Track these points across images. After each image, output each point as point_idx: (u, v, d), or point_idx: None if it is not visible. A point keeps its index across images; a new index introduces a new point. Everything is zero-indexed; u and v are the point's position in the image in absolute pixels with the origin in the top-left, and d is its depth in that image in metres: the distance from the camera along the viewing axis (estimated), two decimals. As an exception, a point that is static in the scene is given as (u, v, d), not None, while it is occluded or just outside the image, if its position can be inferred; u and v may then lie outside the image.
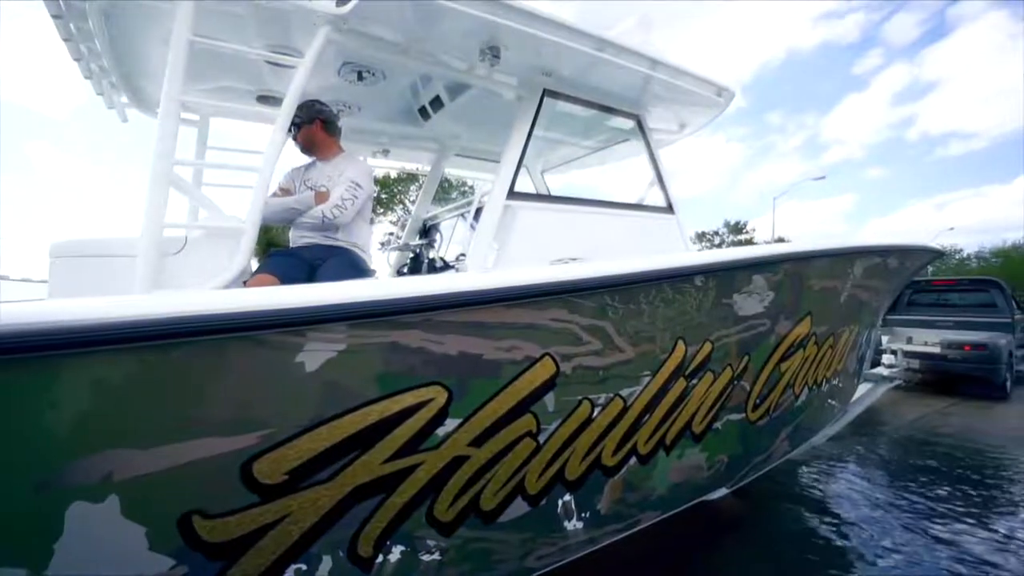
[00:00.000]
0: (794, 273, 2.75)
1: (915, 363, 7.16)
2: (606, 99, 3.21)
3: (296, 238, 2.32)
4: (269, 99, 2.98)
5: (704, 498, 2.60)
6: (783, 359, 2.83)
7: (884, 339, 7.16)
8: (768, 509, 3.51)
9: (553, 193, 4.40)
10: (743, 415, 2.64)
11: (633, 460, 2.15)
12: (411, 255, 3.61)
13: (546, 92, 2.90)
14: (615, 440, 2.06)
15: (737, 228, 45.25)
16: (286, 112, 2.10)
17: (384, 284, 1.49)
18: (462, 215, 3.49)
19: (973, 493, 3.83)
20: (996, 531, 3.21)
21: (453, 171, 4.51)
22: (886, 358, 6.83)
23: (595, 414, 1.97)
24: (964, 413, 6.21)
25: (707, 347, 2.34)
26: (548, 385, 1.82)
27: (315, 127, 2.45)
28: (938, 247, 4.10)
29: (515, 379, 1.74)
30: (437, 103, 3.32)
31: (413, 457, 1.59)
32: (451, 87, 3.17)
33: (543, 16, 2.40)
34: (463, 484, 1.70)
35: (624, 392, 2.05)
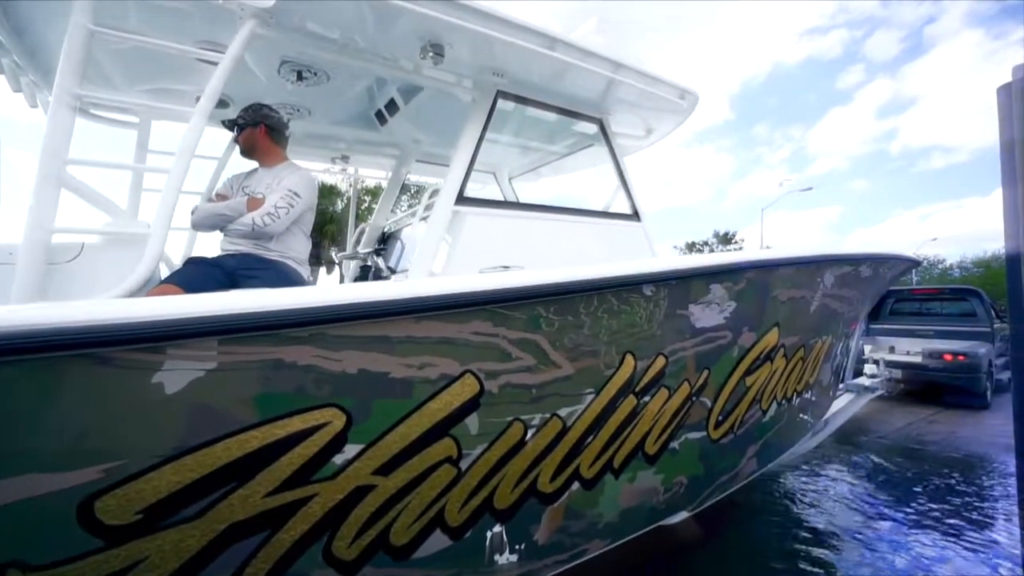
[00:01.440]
0: (758, 282, 2.54)
1: (897, 373, 6.92)
2: (566, 102, 3.01)
3: (225, 245, 2.11)
4: (211, 101, 2.79)
5: (662, 523, 2.36)
6: (748, 373, 2.61)
7: (866, 348, 6.95)
8: (748, 521, 3.25)
9: (533, 201, 4.18)
10: (704, 433, 2.42)
11: (576, 485, 1.91)
12: (364, 265, 3.40)
13: (500, 94, 2.70)
14: (553, 464, 1.83)
15: (726, 238, 45.17)
16: (201, 110, 1.90)
17: (266, 295, 1.27)
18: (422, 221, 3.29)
19: (958, 501, 3.57)
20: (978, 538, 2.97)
21: (421, 179, 4.32)
22: (868, 368, 6.60)
23: (529, 436, 1.75)
24: (949, 422, 5.97)
25: (660, 361, 2.12)
26: (470, 406, 1.60)
27: (259, 131, 2.24)
28: (913, 256, 3.89)
29: (429, 399, 1.52)
30: (392, 106, 3.13)
31: (305, 488, 1.36)
32: (404, 89, 2.98)
33: (487, 12, 2.20)
34: (368, 517, 1.47)
35: (563, 412, 1.82)
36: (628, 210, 3.27)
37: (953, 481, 3.96)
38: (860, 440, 5.30)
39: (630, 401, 2.03)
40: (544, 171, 4.30)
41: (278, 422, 1.30)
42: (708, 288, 2.27)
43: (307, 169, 2.27)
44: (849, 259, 3.10)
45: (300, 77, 2.54)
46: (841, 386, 6.36)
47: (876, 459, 4.52)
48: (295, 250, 2.15)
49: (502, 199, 4.19)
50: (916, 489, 3.74)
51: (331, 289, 1.38)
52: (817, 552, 2.82)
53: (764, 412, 2.81)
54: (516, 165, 4.19)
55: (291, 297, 1.29)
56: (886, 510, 3.37)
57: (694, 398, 2.31)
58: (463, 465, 1.61)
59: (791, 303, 2.81)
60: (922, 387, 7.00)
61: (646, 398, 2.09)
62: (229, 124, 2.30)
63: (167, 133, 3.12)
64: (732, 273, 2.37)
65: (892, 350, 7.20)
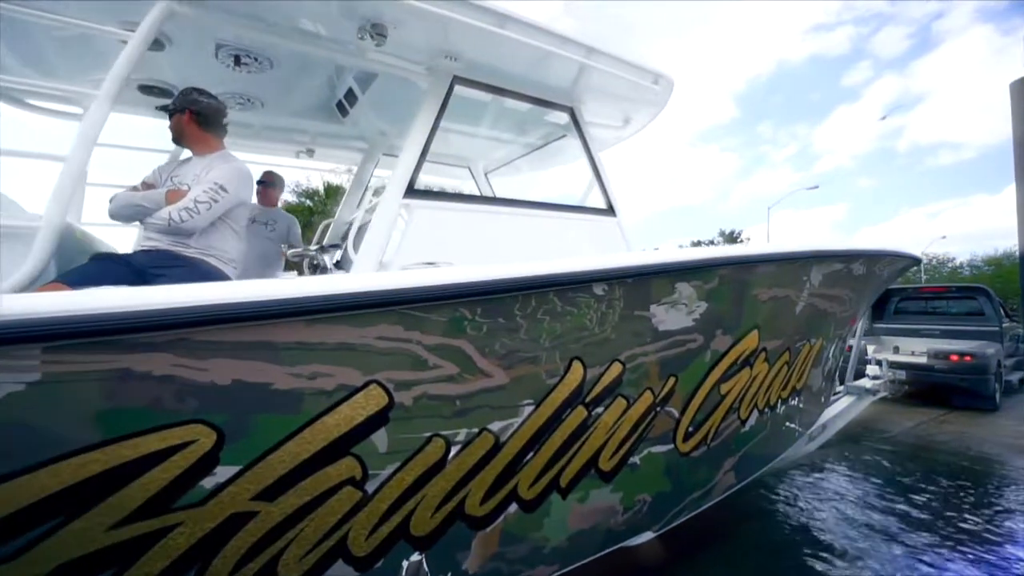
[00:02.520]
0: (733, 281, 2.28)
1: (901, 374, 6.54)
2: (533, 89, 2.77)
3: (142, 240, 1.91)
4: (152, 88, 2.60)
5: (622, 544, 2.11)
6: (723, 379, 2.35)
7: (869, 349, 6.58)
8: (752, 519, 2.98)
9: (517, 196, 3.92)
10: (671, 446, 2.16)
11: (514, 507, 1.68)
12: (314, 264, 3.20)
13: (456, 79, 2.47)
14: (484, 484, 1.59)
15: (732, 237, 44.40)
16: (105, 94, 1.71)
17: (109, 294, 1.06)
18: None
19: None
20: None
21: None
22: (870, 369, 6.23)
23: (452, 454, 1.51)
24: (958, 423, 5.60)
25: (616, 369, 1.87)
26: (377, 420, 1.37)
27: (185, 117, 2.04)
28: (910, 252, 3.58)
29: (324, 414, 1.29)
30: (352, 96, 2.91)
31: (164, 518, 1.14)
32: (360, 77, 2.77)
33: (427, -13, 1.98)
34: (249, 548, 1.25)
35: (495, 426, 1.59)
36: (602, 204, 3.01)
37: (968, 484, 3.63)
38: (866, 440, 4.95)
39: (579, 413, 1.78)
40: (523, 166, 4.06)
41: (127, 442, 1.08)
42: (673, 287, 2.02)
43: (242, 162, 2.05)
44: (838, 255, 2.81)
45: (238, 62, 2.34)
46: (841, 388, 6.02)
47: (885, 460, 4.20)
48: (220, 248, 1.94)
49: (472, 193, 3.95)
50: (927, 488, 3.43)
51: (196, 288, 1.16)
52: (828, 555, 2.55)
53: (743, 421, 2.54)
54: (491, 159, 3.95)
55: (141, 297, 1.08)
56: (897, 510, 3.07)
57: (658, 408, 2.06)
58: (369, 487, 1.38)
59: (773, 303, 2.54)
60: (927, 389, 6.60)
61: (599, 409, 1.84)
62: (163, 109, 2.10)
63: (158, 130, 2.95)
64: (702, 271, 2.11)
65: (896, 350, 6.81)
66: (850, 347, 6.09)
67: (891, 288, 7.93)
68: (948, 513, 3.14)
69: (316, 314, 1.24)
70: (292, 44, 2.17)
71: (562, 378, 1.72)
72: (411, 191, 2.29)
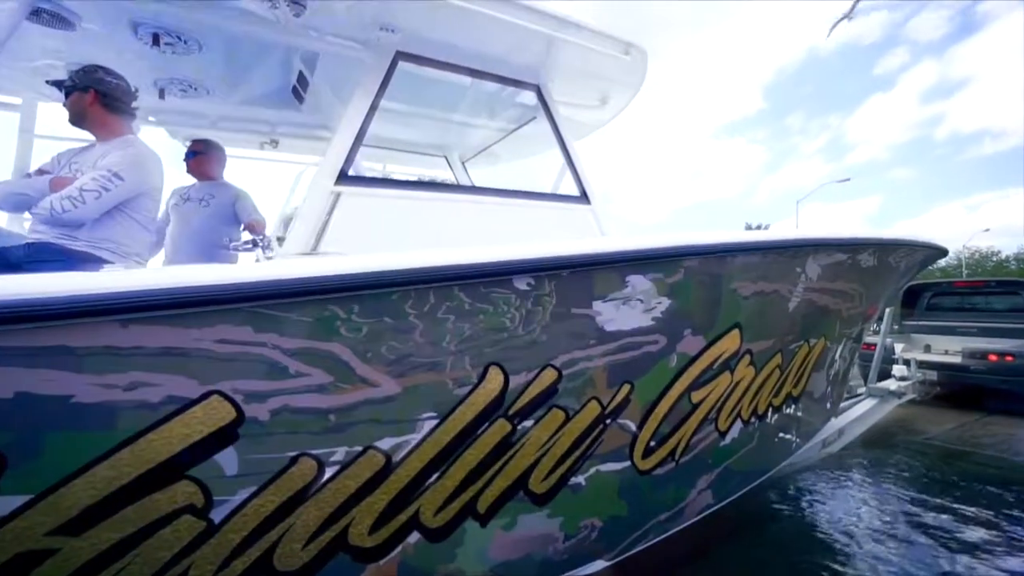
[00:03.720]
0: (704, 273, 1.94)
1: (932, 374, 5.90)
2: (493, 65, 2.47)
3: (29, 232, 1.73)
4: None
5: (569, 574, 1.81)
6: (695, 387, 2.01)
7: (897, 348, 5.98)
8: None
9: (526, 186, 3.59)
10: (626, 463, 1.85)
11: (416, 536, 1.41)
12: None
13: (400, 55, 2.21)
14: (373, 511, 1.33)
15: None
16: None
17: None
18: None
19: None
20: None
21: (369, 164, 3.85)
22: (897, 369, 5.66)
23: (328, 476, 1.26)
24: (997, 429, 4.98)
25: (548, 376, 1.58)
26: (221, 438, 1.13)
27: (88, 97, 1.84)
28: (932, 242, 3.10)
29: (148, 431, 1.06)
30: (303, 80, 2.69)
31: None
32: (307, 58, 2.53)
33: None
34: (53, 594, 1.03)
35: (384, 443, 1.32)
36: (575, 191, 2.70)
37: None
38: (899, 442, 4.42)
39: (500, 427, 1.50)
40: (502, 154, 3.76)
41: None
42: (624, 280, 1.70)
43: (147, 147, 1.85)
44: (839, 244, 2.41)
45: (156, 41, 2.13)
46: (862, 390, 5.48)
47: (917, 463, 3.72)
48: (117, 241, 1.74)
49: (428, 180, 3.62)
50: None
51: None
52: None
53: (722, 433, 2.20)
54: (467, 146, 3.67)
55: None
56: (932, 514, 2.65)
57: (608, 421, 1.75)
58: (216, 516, 1.14)
59: (758, 299, 2.18)
60: (961, 391, 5.93)
61: (527, 423, 1.55)
62: (56, 84, 1.89)
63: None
64: (661, 261, 1.79)
65: (928, 349, 6.17)
66: (872, 346, 5.54)
67: (924, 283, 7.23)
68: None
69: (126, 313, 1.01)
70: (210, 17, 1.95)
71: (475, 387, 1.44)
72: (344, 178, 2.04)
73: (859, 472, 3.58)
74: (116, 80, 1.88)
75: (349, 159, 2.07)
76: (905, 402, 5.60)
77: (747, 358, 2.22)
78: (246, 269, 1.15)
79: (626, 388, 1.78)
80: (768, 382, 2.38)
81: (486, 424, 1.47)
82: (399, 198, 2.24)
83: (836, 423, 4.44)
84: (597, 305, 1.65)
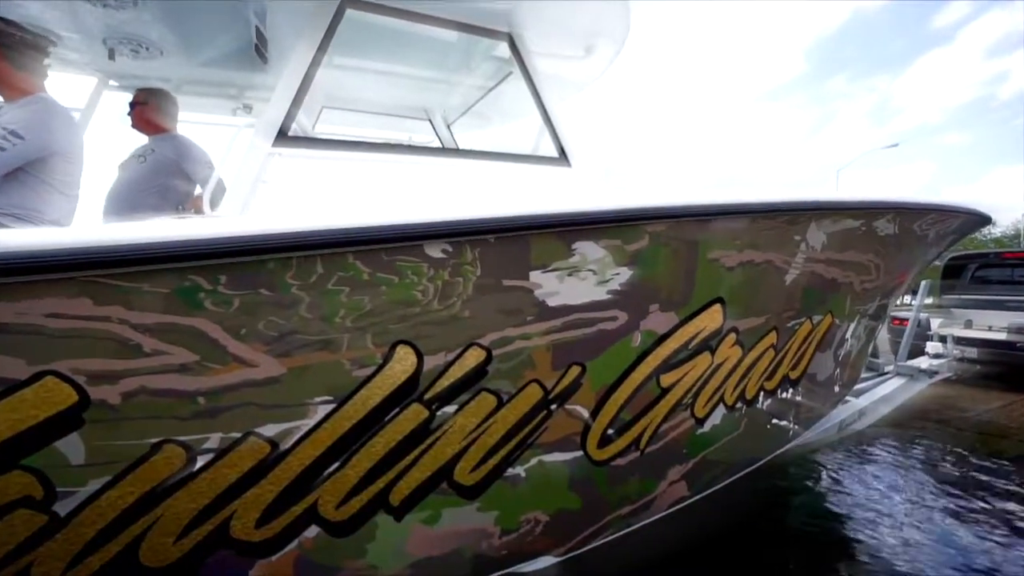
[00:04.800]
0: (675, 240, 1.68)
1: (972, 352, 5.34)
2: (456, 12, 2.20)
3: None
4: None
5: (508, 571, 1.65)
6: (664, 368, 1.77)
7: (934, 323, 5.43)
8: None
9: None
10: (578, 453, 1.64)
11: (315, 531, 1.26)
12: None
13: (346, 2, 1.97)
14: (260, 502, 1.18)
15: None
16: None
17: None
18: None
19: None
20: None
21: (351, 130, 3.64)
22: (931, 346, 5.16)
23: (201, 465, 1.12)
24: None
25: (474, 356, 1.38)
26: (60, 423, 0.99)
27: None
28: (970, 207, 2.66)
29: (-35, 418, 0.93)
30: (263, 38, 2.49)
31: None
32: (260, 12, 2.32)
33: None
34: None
35: (268, 430, 1.17)
36: (553, 151, 2.42)
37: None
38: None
39: (415, 413, 1.32)
40: (492, 115, 3.48)
41: None
42: (570, 248, 1.47)
43: (56, 105, 1.70)
44: (847, 208, 2.07)
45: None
46: (889, 369, 5.04)
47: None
48: (27, 207, 1.61)
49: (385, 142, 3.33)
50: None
51: None
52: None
53: (700, 420, 1.95)
54: (449, 107, 3.40)
55: None
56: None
57: (554, 406, 1.54)
58: (61, 509, 1.01)
59: (746, 271, 1.89)
60: (1005, 370, 5.34)
61: (448, 408, 1.37)
62: None
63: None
64: (618, 226, 1.54)
65: (969, 325, 5.59)
66: (902, 320, 5.06)
67: (968, 253, 6.54)
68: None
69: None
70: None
71: (380, 369, 1.26)
72: (283, 137, 1.85)
73: (883, 451, 3.28)
74: (21, 32, 1.72)
75: (290, 116, 1.88)
76: (940, 381, 5.11)
77: (732, 337, 1.95)
78: (80, 233, 0.98)
79: (575, 370, 1.56)
80: (759, 364, 2.11)
81: (396, 409, 1.29)
82: (349, 160, 2.03)
83: (857, 403, 4.09)
84: (536, 276, 1.42)
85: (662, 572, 1.93)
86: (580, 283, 1.50)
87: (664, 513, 1.96)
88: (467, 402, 1.39)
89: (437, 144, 3.55)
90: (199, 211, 2.06)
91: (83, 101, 2.69)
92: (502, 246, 1.36)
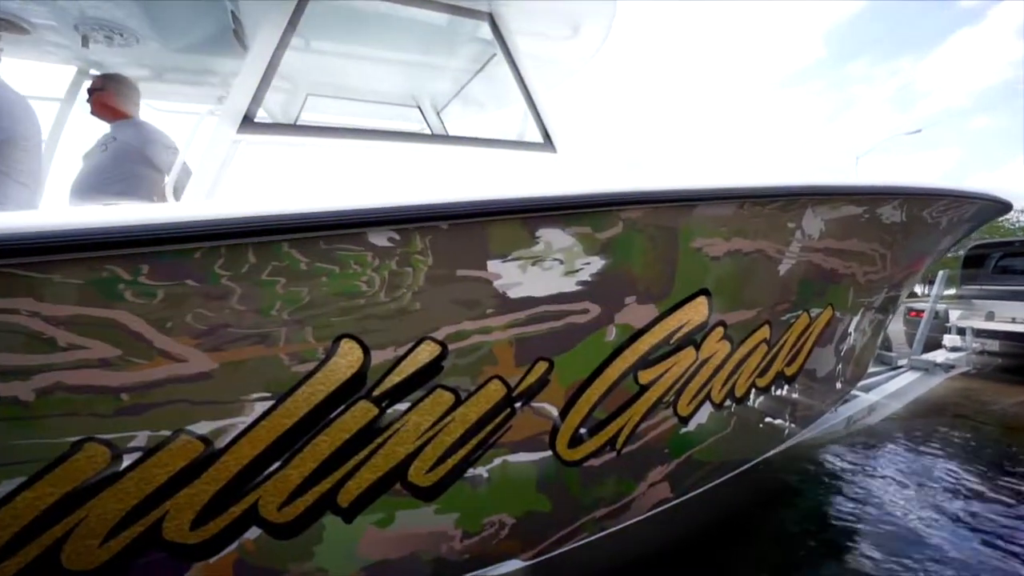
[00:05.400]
0: (652, 227, 1.57)
1: (993, 345, 5.07)
2: (434, -10, 2.11)
3: None
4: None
5: (473, 575, 1.58)
6: (643, 365, 1.67)
7: (952, 315, 5.17)
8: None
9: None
10: (546, 454, 1.56)
11: (256, 532, 1.20)
12: None
13: (313, -23, 1.89)
14: (195, 503, 1.13)
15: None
16: None
17: None
18: None
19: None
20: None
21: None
22: (948, 339, 4.92)
23: (127, 464, 1.06)
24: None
25: (427, 351, 1.30)
26: None
27: None
28: (992, 194, 2.47)
29: None
30: (238, 22, 2.42)
31: None
32: (228, -7, 2.26)
33: None
34: None
35: (200, 428, 1.10)
36: (537, 137, 2.32)
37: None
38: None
39: (362, 411, 1.25)
40: (485, 101, 3.38)
41: None
42: (534, 235, 1.37)
43: (8, 90, 1.66)
44: (846, 193, 1.93)
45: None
46: (903, 363, 4.83)
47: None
48: None
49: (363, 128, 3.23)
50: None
51: None
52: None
53: (684, 419, 1.85)
54: (438, 93, 3.30)
55: None
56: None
57: (519, 404, 1.46)
58: None
59: (734, 260, 1.78)
60: None
61: (400, 406, 1.29)
62: None
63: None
64: (588, 212, 1.44)
65: (991, 316, 5.33)
66: (918, 312, 4.84)
67: (992, 242, 6.22)
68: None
69: None
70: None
71: (322, 364, 1.19)
72: (249, 124, 1.78)
73: (895, 444, 3.16)
74: None
75: (255, 101, 1.80)
76: (957, 375, 4.89)
77: (719, 331, 1.83)
78: None
79: (542, 366, 1.47)
80: (750, 359, 1.99)
81: (342, 407, 1.22)
82: (320, 147, 1.96)
83: (867, 398, 3.93)
84: (495, 266, 1.33)
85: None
86: (545, 273, 1.41)
87: (643, 516, 1.87)
88: (421, 399, 1.31)
89: (428, 132, 3.45)
90: (163, 200, 2.01)
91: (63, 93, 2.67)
92: (456, 234, 1.27)
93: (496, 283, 1.34)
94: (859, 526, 2.25)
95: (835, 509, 2.39)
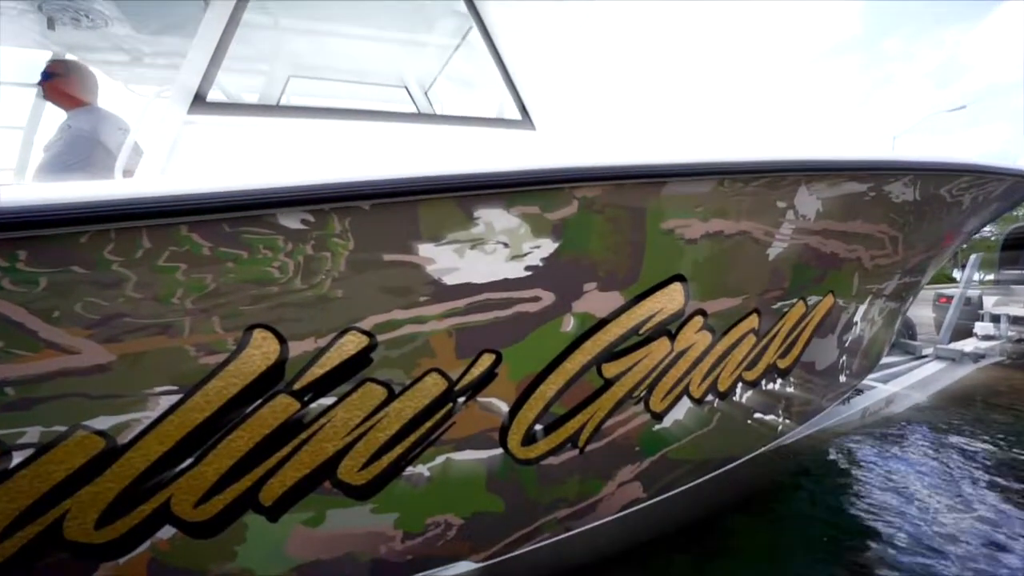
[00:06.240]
0: (613, 208, 1.43)
1: None
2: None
3: None
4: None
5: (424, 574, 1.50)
6: (608, 357, 1.54)
7: (987, 302, 4.78)
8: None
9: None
10: (496, 452, 1.45)
11: (170, 531, 1.15)
12: None
13: (264, -53, 1.78)
14: (99, 502, 1.07)
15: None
16: None
17: None
18: None
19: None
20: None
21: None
22: (980, 327, 4.56)
23: (17, 462, 1.01)
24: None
25: (353, 342, 1.20)
26: None
27: None
28: (1012, 167, 2.20)
29: None
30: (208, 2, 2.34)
31: None
32: (194, -32, 2.17)
33: None
34: None
35: (99, 423, 1.03)
36: (515, 113, 2.17)
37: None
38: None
39: (283, 405, 1.17)
40: (477, 80, 3.22)
41: None
42: (472, 216, 1.25)
43: None
44: (847, 169, 1.72)
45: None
46: (928, 352, 4.51)
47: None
48: None
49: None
50: None
51: None
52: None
53: (658, 415, 1.72)
54: (424, 71, 3.16)
55: None
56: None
57: (462, 399, 1.36)
58: None
59: (714, 243, 1.62)
60: None
61: (325, 400, 1.21)
62: None
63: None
64: (535, 190, 1.30)
65: None
66: (948, 298, 4.49)
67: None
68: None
69: None
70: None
71: (234, 356, 1.10)
72: (200, 103, 1.70)
73: (917, 435, 2.96)
74: None
75: (207, 80, 1.72)
76: (989, 365, 4.53)
77: (697, 320, 1.68)
78: None
79: (488, 359, 1.36)
80: (736, 351, 1.83)
81: (259, 401, 1.14)
82: (277, 127, 1.86)
83: (885, 389, 3.69)
84: (427, 249, 1.22)
85: None
86: (487, 258, 1.29)
87: (612, 517, 1.75)
88: (348, 393, 1.22)
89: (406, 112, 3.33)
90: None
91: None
92: (380, 215, 1.16)
93: (429, 268, 1.23)
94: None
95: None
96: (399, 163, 1.18)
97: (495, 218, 1.27)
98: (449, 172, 1.19)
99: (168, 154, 1.64)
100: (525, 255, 1.33)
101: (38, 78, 2.26)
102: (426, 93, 3.23)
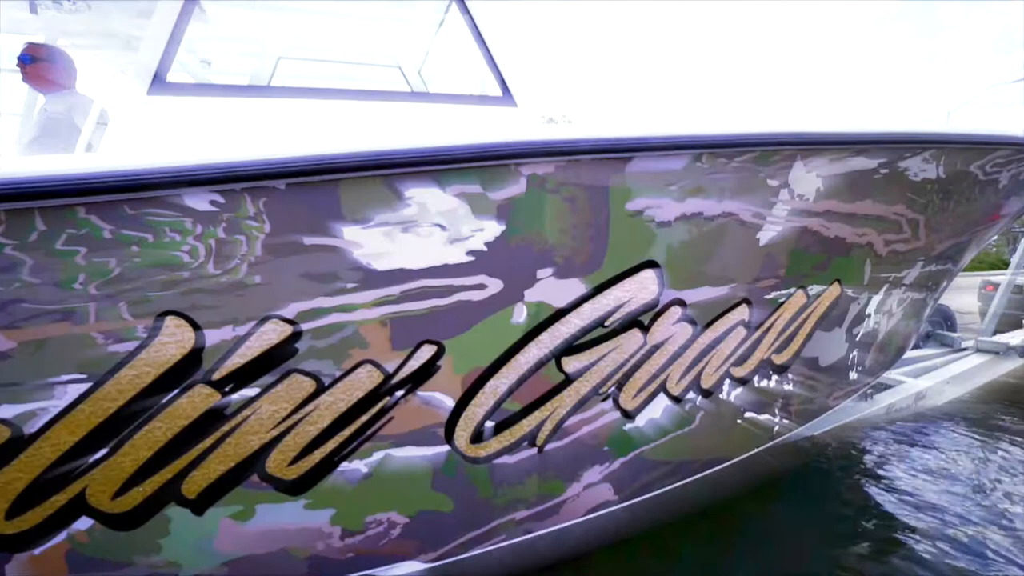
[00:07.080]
0: (568, 186, 1.30)
1: None
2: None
3: None
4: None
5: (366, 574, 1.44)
6: (569, 351, 1.43)
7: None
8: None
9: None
10: (442, 448, 1.37)
11: (88, 523, 1.12)
12: None
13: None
14: (8, 493, 1.04)
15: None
16: None
17: None
18: None
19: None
20: None
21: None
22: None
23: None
24: None
25: (275, 330, 1.13)
26: None
27: None
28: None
29: None
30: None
31: None
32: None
33: None
34: None
35: (4, 412, 1.01)
36: (495, 89, 2.05)
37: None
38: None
39: (202, 395, 1.11)
40: (463, 56, 3.10)
41: None
42: (401, 196, 1.16)
43: None
44: (850, 143, 1.52)
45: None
46: (968, 344, 4.13)
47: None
48: None
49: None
50: None
51: None
52: None
53: (629, 414, 1.59)
54: (416, 50, 3.05)
55: None
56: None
57: (401, 392, 1.28)
58: None
59: (692, 225, 1.46)
60: None
61: (248, 391, 1.15)
62: None
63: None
64: (473, 166, 1.19)
65: None
66: (995, 286, 4.09)
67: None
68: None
69: None
70: None
71: (145, 344, 1.06)
72: (160, 84, 1.67)
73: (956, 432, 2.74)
74: None
75: (165, 60, 1.68)
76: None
77: (674, 311, 1.54)
78: None
79: (429, 350, 1.27)
80: (723, 345, 1.67)
81: (176, 391, 1.09)
82: (238, 107, 1.82)
83: (915, 384, 3.40)
84: (351, 232, 1.14)
85: None
86: (421, 241, 1.19)
87: (582, 519, 1.64)
88: (273, 385, 1.16)
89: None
90: None
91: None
92: (297, 195, 1.08)
93: (355, 253, 1.15)
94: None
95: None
96: (315, 140, 1.09)
97: (428, 199, 1.17)
98: (370, 149, 1.10)
99: (129, 134, 1.61)
100: (466, 239, 1.23)
101: (15, 61, 2.27)
102: (419, 72, 3.12)
